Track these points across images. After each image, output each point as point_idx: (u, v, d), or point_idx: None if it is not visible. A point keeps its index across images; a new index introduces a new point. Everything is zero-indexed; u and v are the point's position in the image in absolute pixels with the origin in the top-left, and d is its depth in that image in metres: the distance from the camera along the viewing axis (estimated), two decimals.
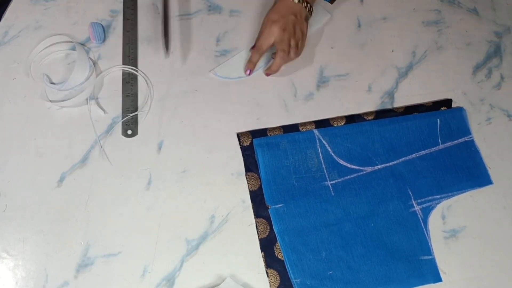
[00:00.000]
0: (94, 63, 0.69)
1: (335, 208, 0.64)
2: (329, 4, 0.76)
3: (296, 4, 0.67)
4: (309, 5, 0.68)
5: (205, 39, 0.73)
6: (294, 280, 0.60)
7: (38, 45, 0.68)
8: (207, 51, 0.72)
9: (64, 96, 0.66)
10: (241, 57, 0.72)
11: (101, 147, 0.64)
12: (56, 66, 0.68)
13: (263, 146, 0.66)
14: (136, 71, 0.69)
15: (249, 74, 0.70)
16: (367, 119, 0.69)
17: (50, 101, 0.66)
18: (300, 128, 0.68)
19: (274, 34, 0.65)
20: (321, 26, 0.76)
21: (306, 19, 0.69)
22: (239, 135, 0.67)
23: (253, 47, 0.70)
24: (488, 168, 0.68)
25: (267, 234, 0.62)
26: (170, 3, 0.75)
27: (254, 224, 0.62)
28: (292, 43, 0.67)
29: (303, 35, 0.69)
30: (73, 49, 0.69)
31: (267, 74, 0.70)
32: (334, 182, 0.65)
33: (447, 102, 0.72)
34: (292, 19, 0.66)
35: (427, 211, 0.65)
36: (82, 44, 0.70)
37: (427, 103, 0.72)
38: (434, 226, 0.64)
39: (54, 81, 0.67)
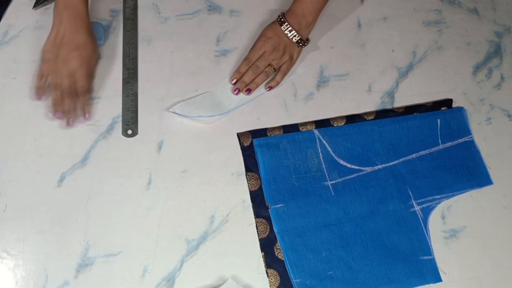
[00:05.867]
0: None
1: (335, 208, 0.64)
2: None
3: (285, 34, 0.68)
4: (300, 37, 0.68)
5: (205, 39, 0.73)
6: (294, 280, 0.60)
7: (39, 45, 0.68)
8: (207, 51, 0.72)
9: None
10: (203, 98, 0.68)
11: (101, 147, 0.64)
12: None
13: (262, 147, 0.66)
14: (136, 71, 0.69)
15: (234, 82, 0.69)
16: (367, 119, 0.69)
17: None
18: (300, 128, 0.68)
19: (264, 49, 0.68)
20: None
21: (299, 45, 0.70)
22: (239, 135, 0.67)
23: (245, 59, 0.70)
24: (488, 168, 0.68)
25: (267, 234, 0.62)
26: (169, 3, 0.75)
27: (254, 224, 0.62)
28: (274, 62, 0.69)
29: (291, 60, 0.70)
30: None
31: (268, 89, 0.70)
32: (334, 182, 0.65)
33: (447, 102, 0.72)
34: (285, 41, 0.68)
35: (427, 211, 0.65)
36: None
37: (427, 103, 0.72)
38: (434, 226, 0.64)
39: None
